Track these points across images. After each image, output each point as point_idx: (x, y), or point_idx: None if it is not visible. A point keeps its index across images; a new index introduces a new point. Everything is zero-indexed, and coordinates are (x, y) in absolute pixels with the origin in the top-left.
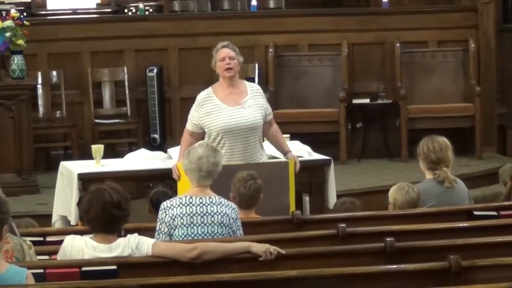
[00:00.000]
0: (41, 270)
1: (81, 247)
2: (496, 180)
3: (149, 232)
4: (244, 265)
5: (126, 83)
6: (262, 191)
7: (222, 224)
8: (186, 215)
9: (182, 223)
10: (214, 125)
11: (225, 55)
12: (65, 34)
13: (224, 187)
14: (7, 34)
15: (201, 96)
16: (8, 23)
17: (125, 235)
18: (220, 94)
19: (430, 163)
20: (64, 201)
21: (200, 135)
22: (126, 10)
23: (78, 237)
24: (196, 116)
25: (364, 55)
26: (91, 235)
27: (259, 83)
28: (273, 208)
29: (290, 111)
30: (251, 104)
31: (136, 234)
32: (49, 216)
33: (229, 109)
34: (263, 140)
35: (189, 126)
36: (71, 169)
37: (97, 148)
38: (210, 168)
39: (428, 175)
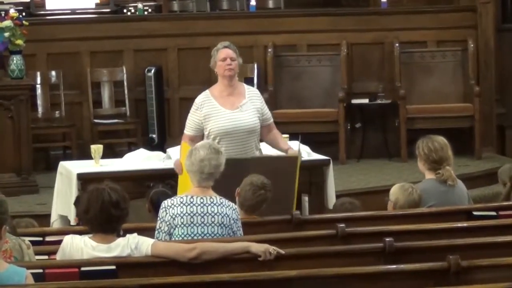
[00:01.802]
0: (40, 270)
1: (80, 247)
2: (495, 180)
3: (148, 232)
4: (244, 265)
5: (125, 83)
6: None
7: (222, 225)
8: (186, 214)
9: (182, 223)
10: (213, 128)
11: (226, 55)
12: (64, 34)
13: (229, 181)
14: (6, 34)
15: (199, 99)
16: (7, 23)
17: (124, 235)
18: (218, 96)
19: (433, 163)
20: (64, 201)
21: (201, 138)
22: (125, 10)
23: (77, 237)
24: (196, 120)
25: (363, 55)
26: (90, 235)
27: (258, 83)
28: (279, 202)
29: (289, 111)
30: (249, 108)
31: (135, 234)
32: (49, 216)
33: (227, 113)
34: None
35: (188, 131)
36: (70, 169)
37: (96, 148)
38: (211, 170)
39: (429, 175)
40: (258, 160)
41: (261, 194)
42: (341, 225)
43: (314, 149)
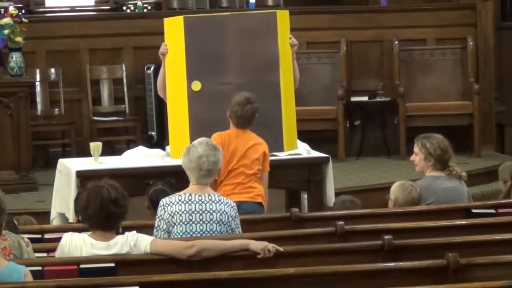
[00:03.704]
0: (40, 268)
1: (79, 245)
2: (495, 178)
3: (147, 229)
4: (242, 262)
5: (125, 81)
6: (249, 42)
7: (220, 222)
8: (185, 212)
9: (181, 220)
10: None
11: None
12: (64, 31)
13: (211, 39)
14: (6, 32)
15: None
16: (7, 20)
17: (123, 233)
18: None
19: (445, 163)
20: (62, 198)
21: None
22: (124, 8)
23: (76, 234)
24: None
25: (363, 52)
26: (89, 233)
27: None
28: (260, 58)
29: None
30: None
31: (134, 232)
32: (48, 213)
33: None
34: None
35: None
36: (69, 166)
37: (96, 146)
38: (210, 167)
39: (432, 173)
40: (236, 16)
41: (248, 108)
42: (340, 223)
43: (313, 146)
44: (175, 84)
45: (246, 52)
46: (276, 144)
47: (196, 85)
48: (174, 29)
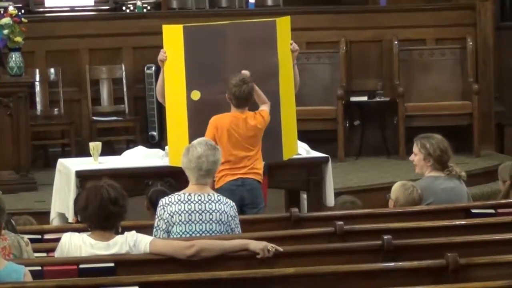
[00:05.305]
0: (39, 268)
1: (78, 245)
2: (494, 178)
3: (147, 229)
4: (242, 262)
5: (124, 81)
6: (249, 51)
7: (220, 222)
8: (184, 212)
9: (180, 220)
10: None
11: None
12: (63, 31)
13: (211, 49)
14: (5, 31)
15: None
16: (6, 20)
17: (122, 233)
18: None
19: (444, 163)
20: (62, 198)
21: None
22: (124, 8)
23: (76, 234)
24: None
25: (362, 52)
26: (89, 233)
27: None
28: (260, 67)
29: None
30: None
31: (133, 232)
32: (47, 213)
33: None
34: None
35: None
36: (69, 166)
37: (95, 146)
38: (209, 166)
39: (432, 173)
40: (234, 26)
41: (245, 88)
42: (339, 223)
43: (313, 146)
44: (174, 93)
45: (246, 61)
46: (275, 153)
47: (196, 95)
48: (173, 37)
